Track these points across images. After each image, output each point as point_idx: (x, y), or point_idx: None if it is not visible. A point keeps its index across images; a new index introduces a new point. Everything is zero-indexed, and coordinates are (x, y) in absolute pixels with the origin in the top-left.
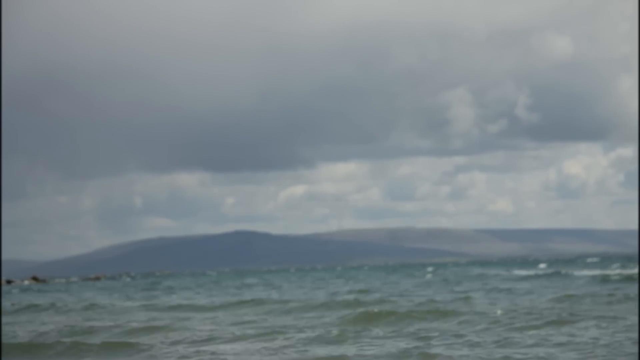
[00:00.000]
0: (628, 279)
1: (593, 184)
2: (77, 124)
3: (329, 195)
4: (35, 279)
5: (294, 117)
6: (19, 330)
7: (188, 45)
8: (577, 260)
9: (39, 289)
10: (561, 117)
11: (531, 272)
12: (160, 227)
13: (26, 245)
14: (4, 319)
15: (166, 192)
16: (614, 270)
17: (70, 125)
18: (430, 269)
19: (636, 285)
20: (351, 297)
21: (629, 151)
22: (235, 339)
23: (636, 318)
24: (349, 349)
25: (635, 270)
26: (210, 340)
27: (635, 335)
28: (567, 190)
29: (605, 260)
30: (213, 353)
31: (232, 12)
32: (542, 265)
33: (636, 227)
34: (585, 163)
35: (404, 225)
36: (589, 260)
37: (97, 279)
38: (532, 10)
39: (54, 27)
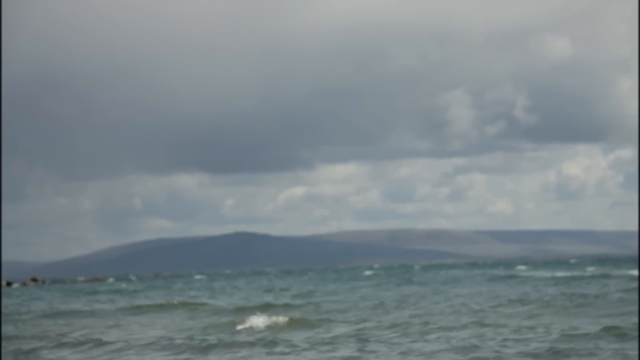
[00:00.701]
0: (589, 281)
1: (592, 185)
2: (77, 126)
3: (328, 197)
4: (34, 280)
5: (293, 118)
6: None
7: (187, 46)
8: (564, 262)
9: (23, 292)
10: (560, 119)
11: (511, 273)
12: (160, 228)
13: (26, 246)
14: None
15: (165, 193)
16: (586, 272)
17: (70, 126)
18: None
19: (594, 288)
20: (280, 302)
21: (628, 152)
22: (97, 345)
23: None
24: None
25: (606, 272)
26: (61, 345)
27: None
28: (566, 191)
29: (597, 262)
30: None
31: (231, 13)
32: (521, 267)
33: (636, 228)
34: (584, 164)
35: (403, 227)
36: (572, 261)
37: (98, 280)
38: (531, 12)
39: (53, 28)
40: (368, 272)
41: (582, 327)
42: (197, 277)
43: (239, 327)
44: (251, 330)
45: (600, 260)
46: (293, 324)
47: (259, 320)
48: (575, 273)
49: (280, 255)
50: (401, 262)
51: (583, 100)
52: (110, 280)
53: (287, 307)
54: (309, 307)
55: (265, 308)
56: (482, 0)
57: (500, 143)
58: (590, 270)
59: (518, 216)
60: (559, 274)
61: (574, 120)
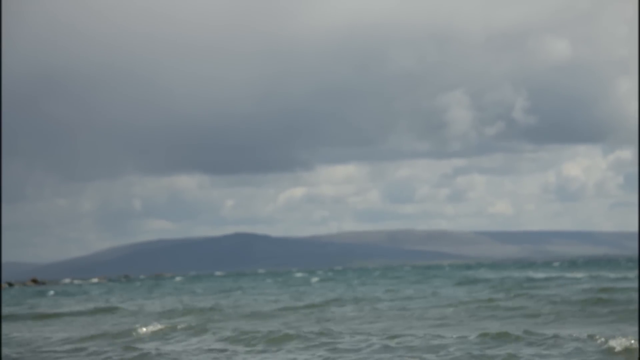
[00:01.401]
0: (541, 285)
1: (592, 186)
2: (76, 127)
3: (328, 198)
4: (35, 281)
5: (292, 119)
6: None
7: (186, 47)
8: (551, 264)
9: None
10: (560, 120)
11: (493, 275)
12: (159, 229)
13: (26, 247)
14: None
15: (165, 194)
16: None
17: (69, 127)
18: (376, 272)
19: (535, 292)
20: (208, 305)
21: (628, 153)
22: None
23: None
24: None
25: (579, 275)
26: None
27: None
28: (566, 192)
29: (585, 264)
30: None
31: (229, 14)
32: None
33: (636, 229)
34: (584, 165)
35: (403, 228)
36: (555, 264)
37: (98, 281)
38: (531, 13)
39: (53, 30)
40: (352, 274)
41: (463, 333)
42: (178, 279)
43: (128, 332)
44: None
45: (589, 262)
46: (166, 333)
47: (147, 328)
48: (542, 275)
49: (280, 256)
50: (401, 263)
51: (583, 101)
52: (94, 280)
53: (200, 312)
54: (218, 312)
55: (181, 313)
56: (482, 1)
57: (500, 144)
58: (559, 274)
59: (518, 217)
60: (537, 275)
61: (573, 121)
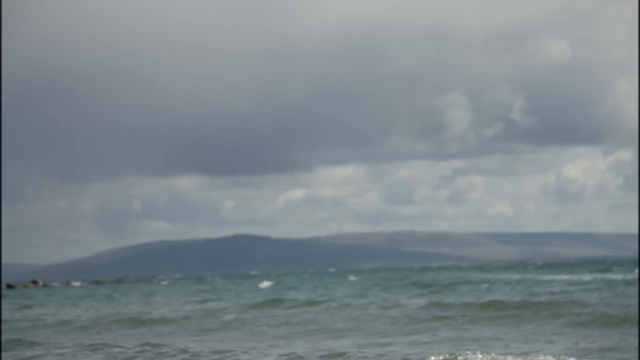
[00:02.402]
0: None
1: (592, 188)
2: (75, 128)
3: (327, 199)
4: (35, 282)
5: (291, 120)
6: None
7: (185, 48)
8: (531, 265)
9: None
10: (559, 121)
11: (453, 277)
12: (159, 230)
13: (26, 249)
14: None
15: (165, 195)
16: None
17: (69, 129)
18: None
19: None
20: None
21: (628, 154)
22: None
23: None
24: None
25: (547, 277)
26: None
27: None
28: (565, 193)
29: (573, 266)
30: None
31: (228, 15)
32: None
33: (636, 230)
34: (583, 166)
35: (403, 229)
36: (529, 267)
37: (97, 282)
38: (529, 14)
39: (52, 31)
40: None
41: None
42: (163, 283)
43: None
44: None
45: (577, 265)
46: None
47: None
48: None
49: (280, 257)
50: (401, 265)
51: (582, 102)
52: (77, 283)
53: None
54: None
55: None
56: (480, 2)
57: (499, 145)
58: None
59: (517, 218)
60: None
61: (572, 122)
